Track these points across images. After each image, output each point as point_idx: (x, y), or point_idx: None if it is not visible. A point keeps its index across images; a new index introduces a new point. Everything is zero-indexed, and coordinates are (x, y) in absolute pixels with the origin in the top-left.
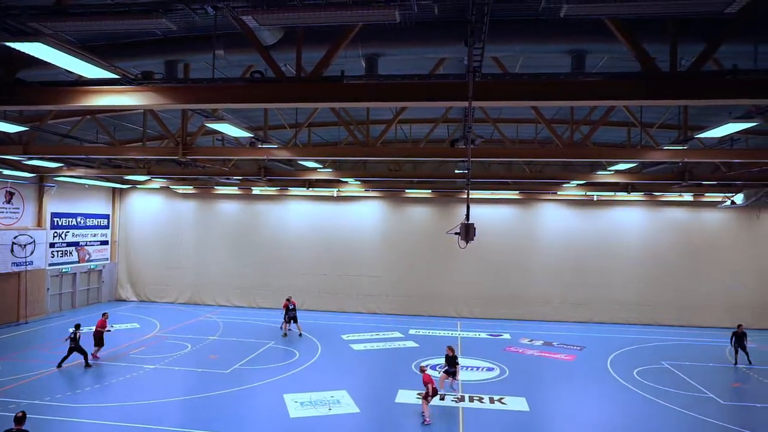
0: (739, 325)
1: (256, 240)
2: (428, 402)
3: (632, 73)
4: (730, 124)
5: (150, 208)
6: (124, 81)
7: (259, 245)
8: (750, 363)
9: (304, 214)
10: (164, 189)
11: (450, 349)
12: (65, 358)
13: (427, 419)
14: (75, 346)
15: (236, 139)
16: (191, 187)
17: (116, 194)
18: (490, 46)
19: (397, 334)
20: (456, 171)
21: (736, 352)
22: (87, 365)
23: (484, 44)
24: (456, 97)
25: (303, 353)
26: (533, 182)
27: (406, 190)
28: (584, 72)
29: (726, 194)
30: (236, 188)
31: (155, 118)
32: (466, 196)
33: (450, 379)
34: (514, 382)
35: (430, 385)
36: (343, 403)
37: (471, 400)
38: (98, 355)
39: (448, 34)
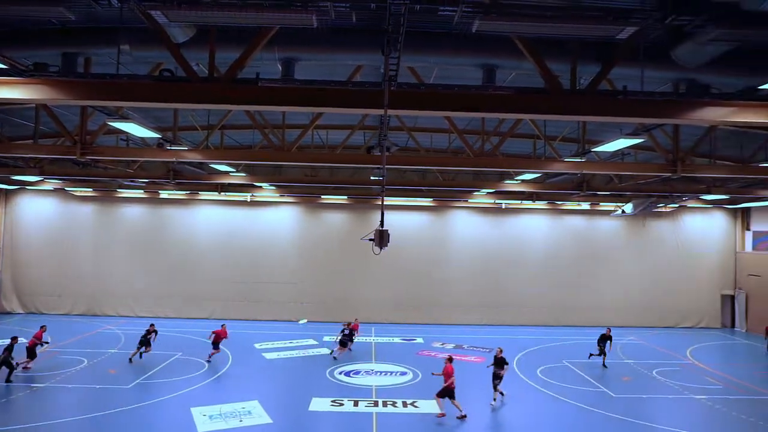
0: (608, 329)
1: (163, 246)
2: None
3: (538, 89)
4: (621, 140)
5: (42, 212)
6: (14, 72)
7: (166, 252)
8: (604, 366)
9: (216, 219)
10: (59, 191)
11: (499, 350)
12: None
13: (442, 412)
14: (5, 358)
15: (142, 139)
16: (90, 189)
17: (1, 196)
18: (406, 56)
19: (312, 342)
20: (371, 177)
21: (602, 353)
22: (9, 380)
23: (400, 54)
24: (372, 105)
25: (212, 364)
26: (446, 190)
27: (322, 196)
28: (495, 86)
29: (617, 204)
30: (142, 191)
31: (49, 114)
32: (380, 203)
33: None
34: (426, 386)
35: (451, 379)
36: (255, 413)
37: (384, 404)
38: (29, 366)
39: (365, 41)
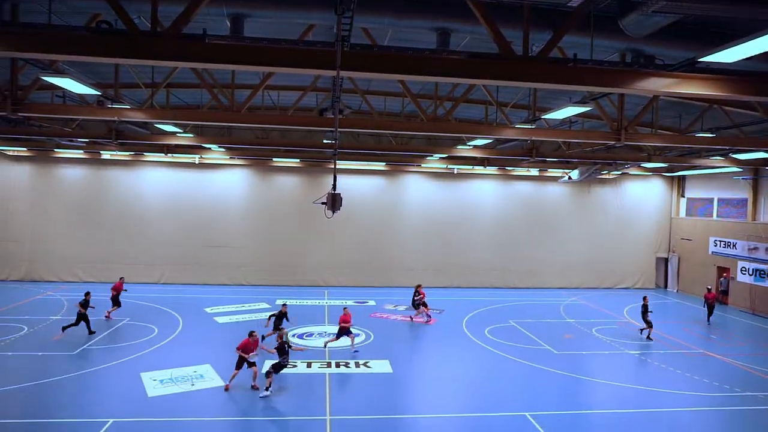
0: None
1: (107, 209)
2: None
3: (491, 54)
4: (569, 108)
5: None
6: None
7: (110, 215)
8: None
9: (163, 181)
10: None
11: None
12: (74, 325)
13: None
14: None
15: (80, 96)
16: (25, 149)
17: None
18: (360, 16)
19: (264, 305)
20: (324, 141)
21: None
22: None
23: (354, 13)
24: (324, 66)
25: (162, 329)
26: (399, 154)
27: (274, 159)
28: (448, 50)
29: (565, 170)
30: (82, 152)
31: None
32: (333, 166)
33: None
34: (378, 346)
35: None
36: (207, 377)
37: (337, 365)
38: (112, 316)
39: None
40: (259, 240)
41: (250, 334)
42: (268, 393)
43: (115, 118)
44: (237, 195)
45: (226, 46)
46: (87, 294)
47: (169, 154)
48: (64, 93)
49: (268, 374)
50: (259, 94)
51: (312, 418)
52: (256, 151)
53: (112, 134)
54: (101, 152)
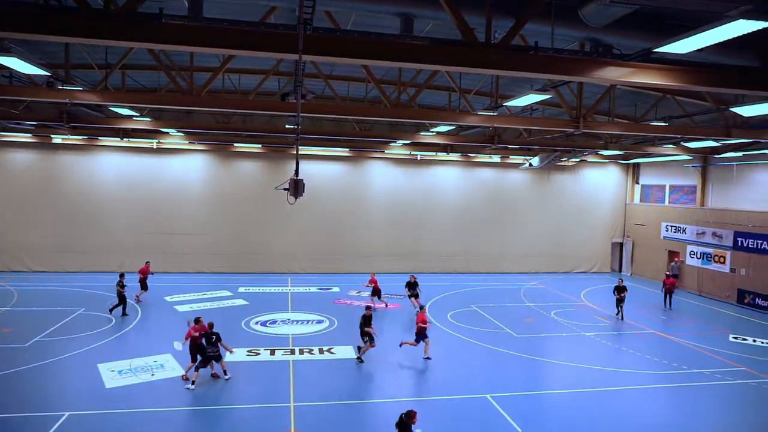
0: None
1: (59, 196)
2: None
3: (454, 40)
4: (531, 95)
5: None
6: None
7: (62, 202)
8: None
9: (120, 166)
10: None
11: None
12: (117, 305)
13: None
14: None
15: (28, 76)
16: None
17: None
18: None
19: (226, 293)
20: (287, 126)
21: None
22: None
23: None
24: (286, 49)
25: (120, 319)
26: (362, 140)
27: (235, 144)
28: (412, 35)
29: (526, 157)
30: (31, 136)
31: None
32: (295, 152)
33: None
34: (342, 333)
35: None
36: (168, 366)
37: (301, 352)
38: (141, 299)
39: None
40: (220, 227)
41: (197, 320)
42: (192, 387)
43: (67, 101)
44: (197, 181)
45: (184, 26)
46: (121, 275)
47: (126, 139)
48: (11, 73)
49: (197, 368)
50: (219, 77)
51: (276, 405)
52: (216, 136)
53: (63, 117)
54: (52, 136)
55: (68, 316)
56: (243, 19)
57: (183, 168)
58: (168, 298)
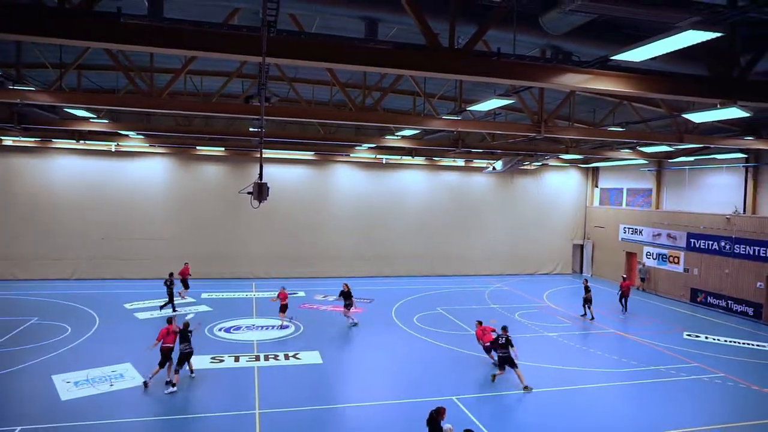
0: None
1: (9, 200)
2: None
3: (418, 45)
4: (494, 100)
5: None
6: None
7: (13, 206)
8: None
9: (75, 170)
10: None
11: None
12: (168, 303)
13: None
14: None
15: None
16: None
17: None
18: (287, 1)
19: (189, 299)
20: (250, 129)
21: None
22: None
23: None
24: (249, 51)
25: (76, 327)
26: (327, 144)
27: (197, 147)
28: (376, 39)
29: (489, 161)
30: None
31: None
32: (259, 155)
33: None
34: (308, 338)
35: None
36: (128, 376)
37: (266, 358)
38: (185, 296)
39: None
40: (182, 232)
41: (169, 320)
42: (174, 389)
43: (18, 101)
44: (158, 185)
45: (143, 26)
46: (170, 274)
47: (81, 141)
48: None
49: (176, 371)
50: (180, 78)
51: (240, 412)
52: (177, 138)
53: (14, 118)
54: (2, 138)
55: (20, 326)
56: (205, 20)
57: (143, 171)
58: (127, 305)
